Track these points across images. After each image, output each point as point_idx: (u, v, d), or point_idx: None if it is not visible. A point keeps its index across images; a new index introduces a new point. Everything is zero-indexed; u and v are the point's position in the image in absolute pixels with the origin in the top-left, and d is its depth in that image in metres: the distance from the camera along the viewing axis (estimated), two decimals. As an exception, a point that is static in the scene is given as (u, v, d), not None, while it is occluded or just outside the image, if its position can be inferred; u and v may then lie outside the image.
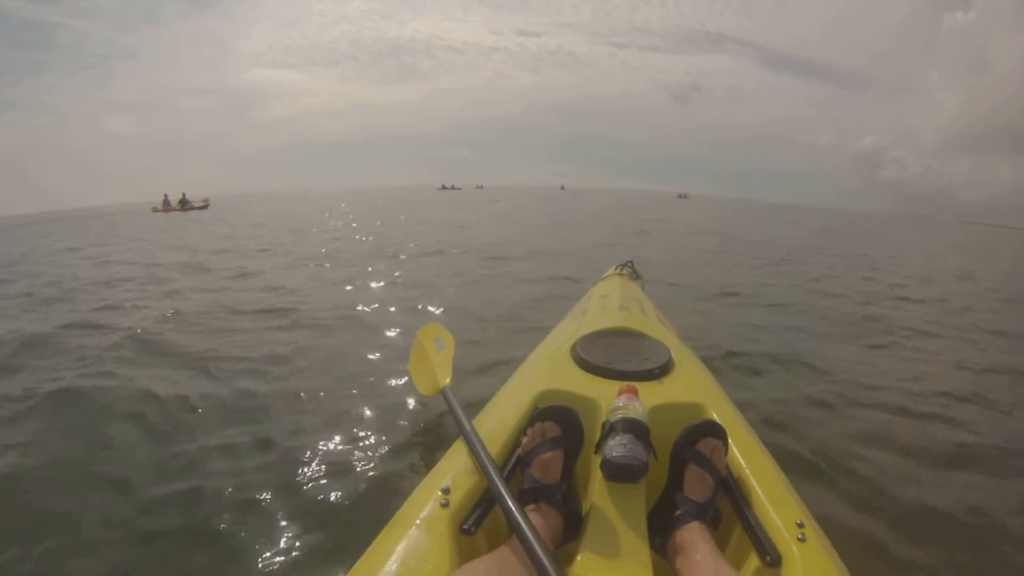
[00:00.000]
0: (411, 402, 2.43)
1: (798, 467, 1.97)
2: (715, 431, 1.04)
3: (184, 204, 23.56)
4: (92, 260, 7.86)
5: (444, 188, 69.76)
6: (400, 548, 0.82)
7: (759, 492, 0.98)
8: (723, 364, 3.06)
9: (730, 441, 1.07)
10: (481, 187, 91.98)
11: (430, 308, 4.46)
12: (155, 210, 22.85)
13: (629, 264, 3.03)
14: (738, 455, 1.08)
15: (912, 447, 2.29)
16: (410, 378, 2.22)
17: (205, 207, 24.03)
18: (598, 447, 1.04)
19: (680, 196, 65.00)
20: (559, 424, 1.04)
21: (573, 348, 1.50)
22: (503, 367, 2.68)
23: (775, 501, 0.96)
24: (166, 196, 23.81)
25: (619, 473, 0.97)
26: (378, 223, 14.59)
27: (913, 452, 2.25)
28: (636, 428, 0.99)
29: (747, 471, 1.04)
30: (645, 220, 18.19)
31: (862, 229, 23.26)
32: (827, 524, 0.96)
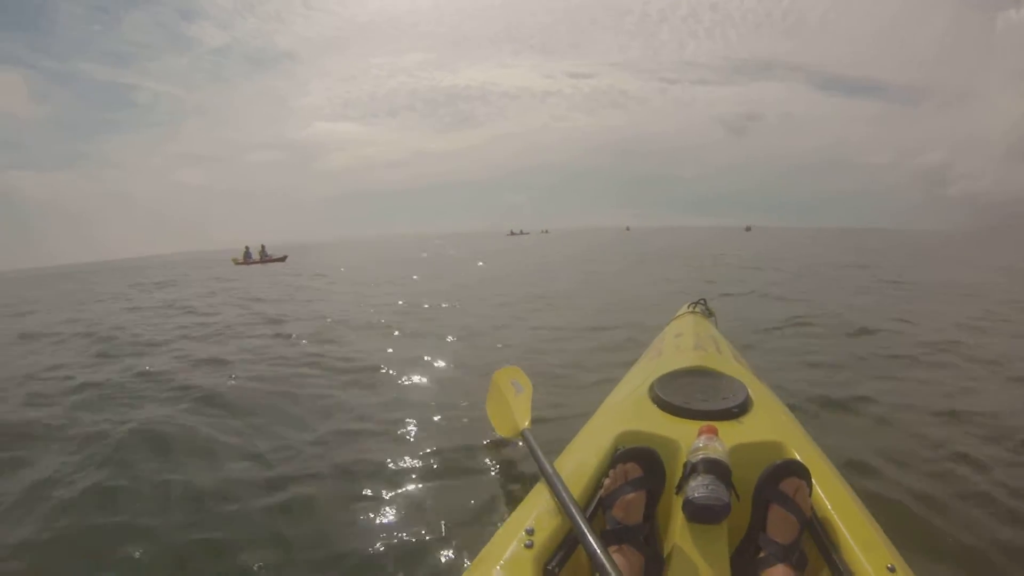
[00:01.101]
0: (490, 442, 2.49)
1: (889, 509, 1.83)
2: (798, 470, 1.02)
3: (264, 256, 24.15)
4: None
5: (512, 234, 71.78)
6: None
7: (846, 534, 0.96)
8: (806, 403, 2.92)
9: (814, 481, 1.05)
10: (547, 231, 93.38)
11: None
12: (236, 262, 23.52)
13: (702, 302, 3.01)
14: (822, 495, 1.06)
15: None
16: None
17: (284, 260, 24.37)
18: (679, 488, 1.05)
19: (746, 229, 71.62)
20: (641, 465, 1.07)
21: (651, 389, 1.51)
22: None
23: (864, 544, 0.93)
24: (247, 248, 24.46)
25: (701, 514, 0.98)
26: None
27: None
28: (717, 468, 1.00)
29: (832, 512, 1.02)
30: (732, 253, 18.62)
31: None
32: (922, 570, 0.92)
